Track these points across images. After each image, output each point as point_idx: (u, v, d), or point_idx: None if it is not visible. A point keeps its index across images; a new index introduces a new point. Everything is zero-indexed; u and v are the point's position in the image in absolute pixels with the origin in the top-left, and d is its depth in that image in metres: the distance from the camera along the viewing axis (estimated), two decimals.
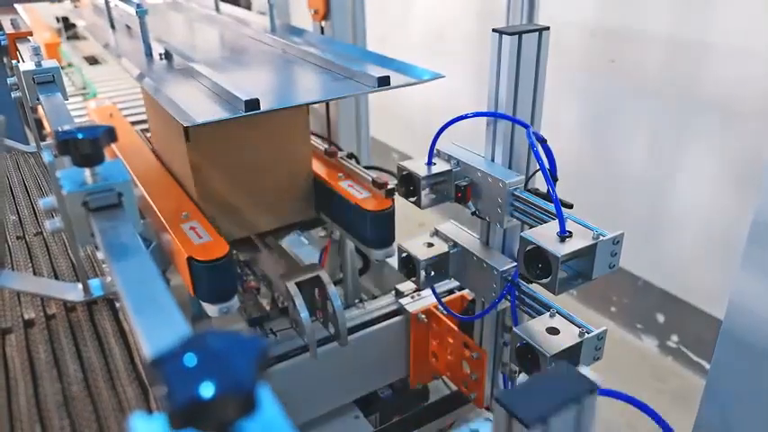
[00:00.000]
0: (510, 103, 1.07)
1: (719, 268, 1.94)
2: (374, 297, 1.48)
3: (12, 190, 0.99)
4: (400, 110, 3.27)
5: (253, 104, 0.97)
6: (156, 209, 1.17)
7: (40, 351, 0.63)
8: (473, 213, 1.09)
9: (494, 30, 1.03)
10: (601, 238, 0.86)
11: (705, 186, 1.95)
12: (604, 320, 2.38)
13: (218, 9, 1.80)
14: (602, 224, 0.91)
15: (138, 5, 1.31)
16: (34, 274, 0.76)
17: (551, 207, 0.94)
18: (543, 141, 1.04)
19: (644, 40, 2.01)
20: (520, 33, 1.02)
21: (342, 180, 1.28)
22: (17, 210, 0.93)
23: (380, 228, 1.22)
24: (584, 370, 0.75)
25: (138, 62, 1.31)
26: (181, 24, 1.83)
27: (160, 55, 1.33)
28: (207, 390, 0.28)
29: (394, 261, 2.04)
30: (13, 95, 1.00)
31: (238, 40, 1.55)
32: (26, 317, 0.69)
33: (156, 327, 0.43)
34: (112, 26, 1.66)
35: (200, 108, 1.01)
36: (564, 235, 0.87)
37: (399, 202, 1.24)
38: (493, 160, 1.12)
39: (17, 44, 1.37)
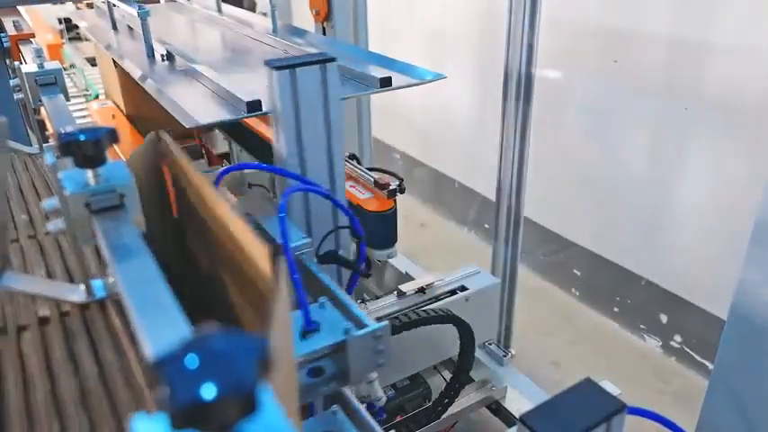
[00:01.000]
0: (294, 146, 0.90)
1: (722, 268, 1.94)
2: (376, 297, 1.48)
3: (13, 191, 0.99)
4: (403, 110, 3.27)
5: (255, 105, 0.97)
6: None
7: (56, 348, 0.63)
8: None
9: (266, 62, 0.87)
10: (352, 333, 0.67)
11: (707, 186, 1.95)
12: (607, 321, 2.38)
13: (219, 10, 1.80)
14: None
15: (140, 7, 1.32)
16: (35, 275, 0.76)
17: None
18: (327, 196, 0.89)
19: (646, 39, 2.00)
20: (292, 67, 0.85)
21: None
22: (17, 211, 0.93)
23: (382, 228, 1.22)
24: (607, 385, 0.72)
25: (140, 63, 1.31)
26: (183, 25, 1.83)
27: (162, 56, 1.33)
28: (208, 391, 0.28)
29: (396, 261, 2.04)
30: (15, 97, 1.00)
31: (240, 41, 1.55)
32: (41, 314, 0.69)
33: (158, 327, 0.43)
34: (114, 27, 1.66)
35: (203, 109, 1.01)
36: (309, 329, 0.69)
37: (401, 203, 1.24)
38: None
39: (19, 46, 1.37)
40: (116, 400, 0.57)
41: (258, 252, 0.51)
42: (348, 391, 0.73)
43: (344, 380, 0.68)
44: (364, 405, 0.92)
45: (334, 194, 0.94)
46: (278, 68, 0.85)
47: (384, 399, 0.91)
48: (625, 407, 0.57)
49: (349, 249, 1.02)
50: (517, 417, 1.71)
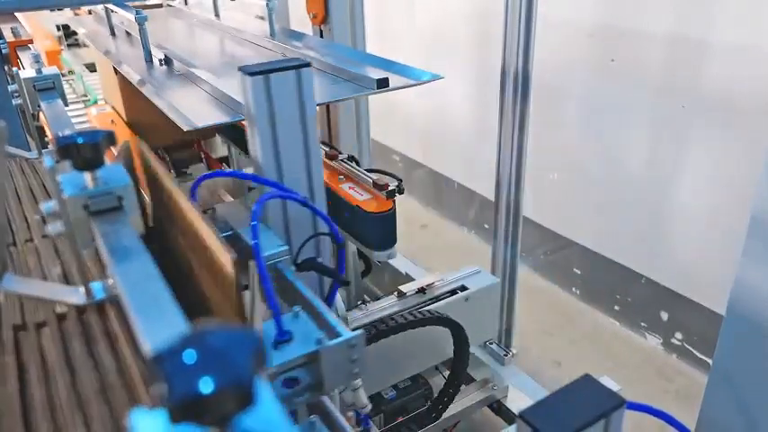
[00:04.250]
0: (270, 153, 0.90)
1: (722, 264, 1.94)
2: (377, 298, 1.48)
3: (11, 196, 0.99)
4: (401, 111, 3.28)
5: None
6: None
7: (75, 343, 0.64)
8: None
9: (240, 68, 0.88)
10: (325, 343, 0.66)
11: (707, 183, 1.95)
12: (608, 319, 2.38)
13: (217, 15, 1.81)
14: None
15: (138, 12, 1.32)
16: (35, 278, 0.77)
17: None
18: (304, 204, 0.90)
19: (644, 38, 2.01)
20: (266, 72, 0.86)
21: (343, 182, 1.28)
22: (17, 216, 0.94)
23: (381, 229, 1.22)
24: (606, 381, 0.71)
25: (138, 68, 1.31)
26: (181, 30, 1.84)
27: (160, 60, 1.33)
28: (206, 385, 0.28)
29: (396, 262, 2.05)
30: (14, 102, 1.01)
31: (238, 44, 1.56)
32: (58, 311, 0.69)
33: (157, 326, 0.44)
34: (113, 33, 1.67)
35: (201, 112, 1.02)
36: (282, 339, 0.68)
37: (401, 204, 1.24)
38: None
39: (18, 52, 1.38)
40: (136, 393, 0.58)
41: (224, 260, 0.52)
42: (328, 401, 0.72)
43: (320, 390, 0.67)
44: (352, 413, 0.90)
45: (313, 201, 0.92)
46: (252, 74, 0.84)
47: (369, 407, 0.91)
48: (624, 402, 0.56)
49: (330, 255, 1.01)
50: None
